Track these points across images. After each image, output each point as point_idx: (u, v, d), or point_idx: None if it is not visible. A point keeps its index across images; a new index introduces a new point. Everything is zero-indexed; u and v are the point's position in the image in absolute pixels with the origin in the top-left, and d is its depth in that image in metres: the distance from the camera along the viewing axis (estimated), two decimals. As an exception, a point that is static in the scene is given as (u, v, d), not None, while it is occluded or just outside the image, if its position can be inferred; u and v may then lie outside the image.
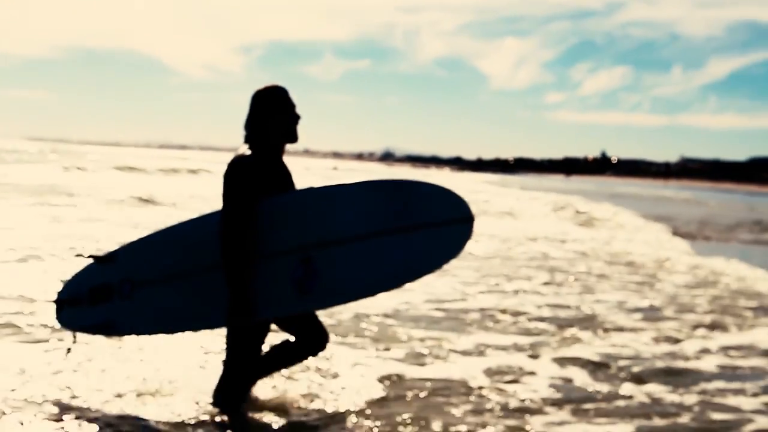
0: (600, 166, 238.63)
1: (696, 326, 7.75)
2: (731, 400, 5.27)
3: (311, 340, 3.94)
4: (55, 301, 4.10)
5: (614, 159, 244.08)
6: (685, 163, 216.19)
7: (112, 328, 3.95)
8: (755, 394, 5.44)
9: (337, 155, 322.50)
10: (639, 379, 5.62)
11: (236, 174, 3.61)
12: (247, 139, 3.77)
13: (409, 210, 3.63)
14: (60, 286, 4.20)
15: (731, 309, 8.90)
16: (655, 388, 5.39)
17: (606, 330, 7.27)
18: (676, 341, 7.00)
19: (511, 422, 4.49)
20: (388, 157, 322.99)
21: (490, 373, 5.51)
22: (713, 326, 7.79)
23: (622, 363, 6.04)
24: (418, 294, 8.13)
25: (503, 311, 7.71)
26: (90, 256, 4.03)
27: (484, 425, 4.39)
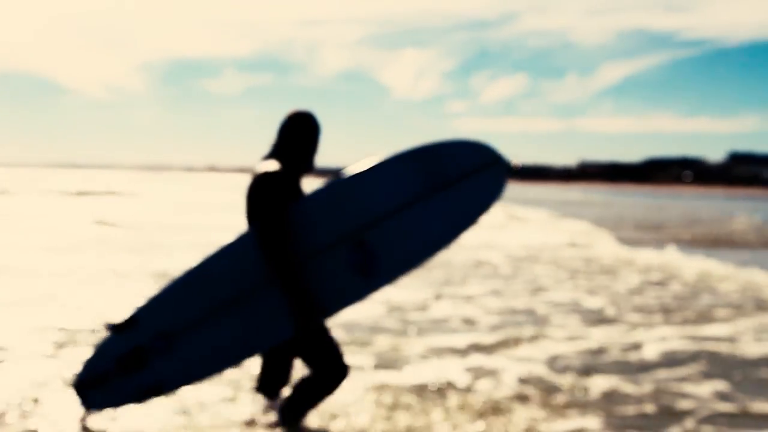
0: None
1: (646, 318, 8.12)
2: (687, 388, 5.54)
3: (333, 367, 3.81)
4: (76, 387, 3.85)
5: (517, 164, 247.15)
6: (584, 166, 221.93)
7: (163, 388, 3.80)
8: (708, 380, 5.74)
9: (243, 170, 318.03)
10: (597, 372, 5.86)
11: (269, 186, 3.62)
12: (277, 156, 3.81)
13: (440, 169, 3.71)
14: (76, 370, 3.93)
15: (683, 303, 9.30)
16: (615, 381, 5.62)
17: (560, 327, 7.54)
18: (629, 334, 7.31)
19: (485, 420, 4.60)
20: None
21: (457, 374, 5.64)
22: (663, 318, 8.17)
23: (578, 359, 6.27)
24: (376, 304, 8.20)
25: (458, 317, 7.85)
26: (108, 327, 3.83)
27: (458, 426, 4.47)
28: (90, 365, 3.84)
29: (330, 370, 3.75)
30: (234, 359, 3.77)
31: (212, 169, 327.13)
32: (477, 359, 6.14)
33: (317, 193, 3.76)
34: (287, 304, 3.60)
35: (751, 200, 76.92)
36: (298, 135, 3.79)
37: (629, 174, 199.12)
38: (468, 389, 5.26)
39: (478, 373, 5.72)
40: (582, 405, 5.02)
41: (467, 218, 3.77)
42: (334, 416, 4.43)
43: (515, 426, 4.52)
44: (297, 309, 3.56)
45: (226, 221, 21.07)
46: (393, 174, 3.74)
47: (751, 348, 6.84)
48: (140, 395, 3.80)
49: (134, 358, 3.76)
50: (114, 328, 3.81)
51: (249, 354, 3.77)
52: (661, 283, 11.11)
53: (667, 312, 8.63)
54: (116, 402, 3.82)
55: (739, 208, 47.82)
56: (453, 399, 5.02)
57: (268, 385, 4.01)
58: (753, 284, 11.14)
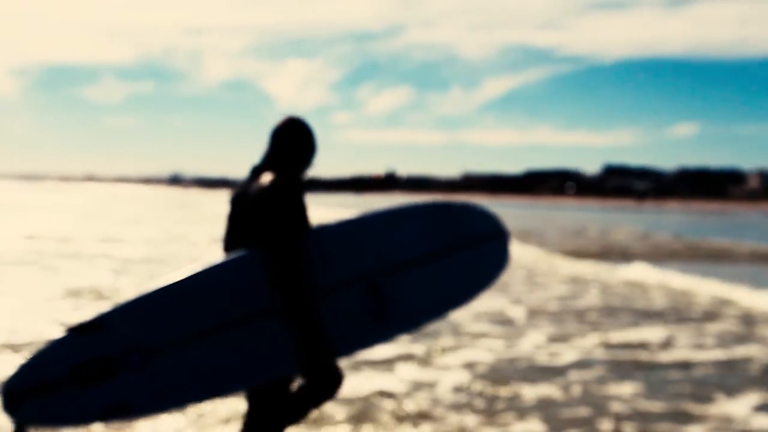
0: (389, 183, 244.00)
1: (561, 326, 8.52)
2: (614, 390, 5.92)
3: (324, 381, 3.37)
4: (5, 394, 3.05)
5: (402, 176, 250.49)
6: (467, 177, 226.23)
7: (128, 411, 3.19)
8: (632, 382, 6.11)
9: (122, 180, 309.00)
10: (525, 379, 6.15)
11: (286, 199, 3.25)
12: (274, 167, 3.43)
13: (460, 229, 3.66)
14: (8, 373, 3.11)
15: (594, 311, 9.84)
16: (544, 387, 5.92)
17: (475, 336, 7.81)
18: (548, 341, 7.70)
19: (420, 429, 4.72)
20: (176, 181, 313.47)
21: (389, 384, 5.77)
22: (577, 324, 8.61)
23: (503, 366, 6.56)
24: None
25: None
26: (70, 327, 3.17)
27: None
28: (30, 370, 3.10)
29: (323, 378, 3.30)
30: (219, 390, 3.28)
31: (90, 178, 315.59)
32: (406, 369, 6.29)
33: (335, 226, 3.50)
34: (294, 336, 3.20)
35: (622, 211, 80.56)
36: (298, 143, 3.49)
37: (510, 185, 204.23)
38: (402, 397, 5.38)
39: (410, 382, 5.85)
40: (519, 410, 5.27)
41: (482, 281, 3.71)
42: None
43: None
44: (306, 344, 3.16)
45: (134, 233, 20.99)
46: (414, 224, 3.62)
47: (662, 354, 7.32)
48: (99, 414, 3.15)
49: (97, 369, 3.13)
50: (77, 329, 3.15)
51: (237, 386, 3.33)
52: (573, 295, 11.60)
53: (581, 319, 9.03)
54: (61, 418, 3.14)
55: (616, 219, 50.27)
56: (388, 408, 5.11)
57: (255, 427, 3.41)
58: (681, 291, 12.13)
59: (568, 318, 9.28)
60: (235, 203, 3.39)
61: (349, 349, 3.44)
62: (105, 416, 3.17)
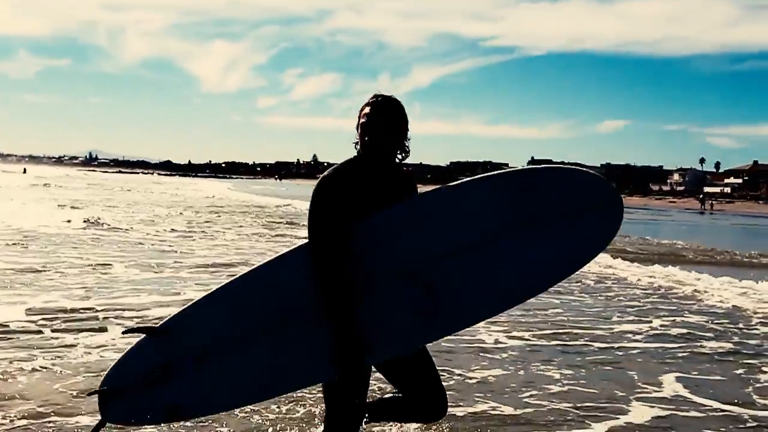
0: (312, 169, 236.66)
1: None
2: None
3: (429, 404, 3.41)
4: (102, 393, 3.36)
5: (326, 164, 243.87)
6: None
7: (179, 412, 3.38)
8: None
9: (33, 159, 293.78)
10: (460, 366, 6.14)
11: (317, 195, 3.24)
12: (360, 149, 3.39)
13: (537, 201, 3.18)
14: (102, 374, 3.52)
15: None
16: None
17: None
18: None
19: None
20: (91, 161, 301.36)
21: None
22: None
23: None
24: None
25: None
26: (140, 330, 3.50)
27: None
28: (115, 372, 3.41)
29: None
30: (265, 392, 3.41)
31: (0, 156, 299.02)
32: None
33: (392, 211, 3.28)
34: (331, 337, 3.15)
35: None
36: (361, 126, 3.36)
37: (436, 175, 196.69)
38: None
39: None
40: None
41: (562, 267, 3.28)
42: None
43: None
44: (340, 345, 3.12)
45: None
46: (480, 198, 3.26)
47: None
48: (161, 414, 3.38)
49: (159, 372, 3.31)
50: (148, 332, 3.44)
51: (283, 389, 3.45)
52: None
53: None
54: (135, 417, 3.39)
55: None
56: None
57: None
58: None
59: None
60: None
61: (393, 347, 3.22)
62: (166, 416, 3.41)
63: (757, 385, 6.44)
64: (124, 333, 3.87)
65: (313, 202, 3.22)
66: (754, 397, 6.05)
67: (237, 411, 4.64)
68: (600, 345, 7.75)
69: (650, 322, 9.27)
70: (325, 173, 3.30)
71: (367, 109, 3.33)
